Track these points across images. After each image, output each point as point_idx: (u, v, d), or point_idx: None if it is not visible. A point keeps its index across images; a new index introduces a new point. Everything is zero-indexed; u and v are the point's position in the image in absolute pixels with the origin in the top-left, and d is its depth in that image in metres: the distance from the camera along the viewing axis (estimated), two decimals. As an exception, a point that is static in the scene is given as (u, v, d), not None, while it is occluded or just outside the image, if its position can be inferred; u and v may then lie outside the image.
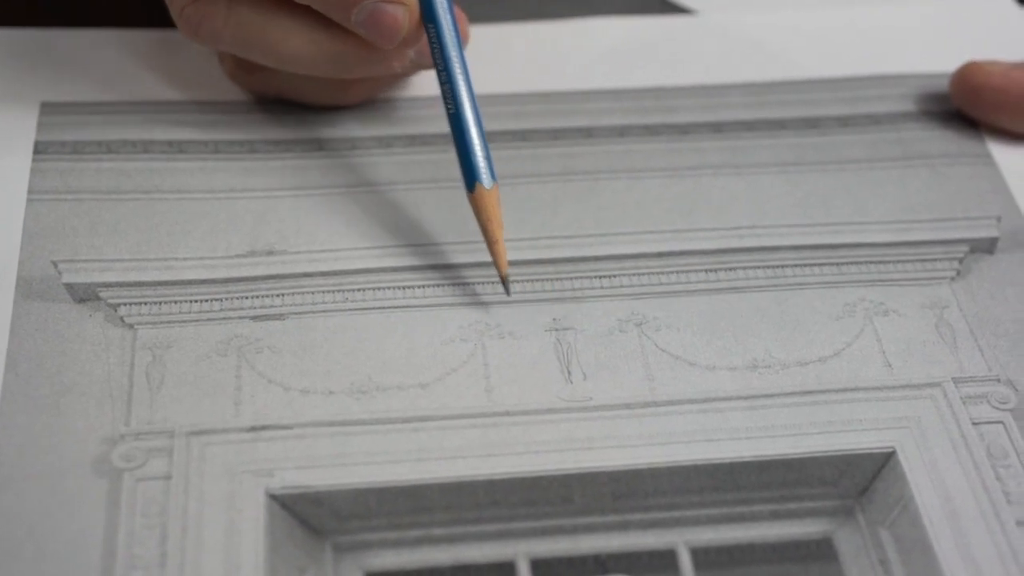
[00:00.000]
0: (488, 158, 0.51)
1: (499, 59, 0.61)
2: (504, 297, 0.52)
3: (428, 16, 0.52)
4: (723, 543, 0.46)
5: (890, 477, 0.47)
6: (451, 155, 0.56)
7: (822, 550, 0.46)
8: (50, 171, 0.55)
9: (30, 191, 0.54)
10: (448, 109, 0.52)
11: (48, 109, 0.57)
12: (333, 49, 0.52)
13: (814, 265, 0.54)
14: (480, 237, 0.51)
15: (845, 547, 0.46)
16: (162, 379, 0.48)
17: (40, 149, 0.55)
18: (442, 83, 0.52)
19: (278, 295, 0.51)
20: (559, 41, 0.63)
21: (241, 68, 0.56)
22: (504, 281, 0.51)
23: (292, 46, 0.52)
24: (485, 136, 0.52)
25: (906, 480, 0.47)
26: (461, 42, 0.52)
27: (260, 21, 0.52)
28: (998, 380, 0.50)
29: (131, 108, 0.57)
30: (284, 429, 0.47)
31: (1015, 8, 0.65)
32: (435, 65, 0.52)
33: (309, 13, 0.52)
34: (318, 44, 0.52)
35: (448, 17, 0.52)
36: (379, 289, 0.52)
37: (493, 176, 0.51)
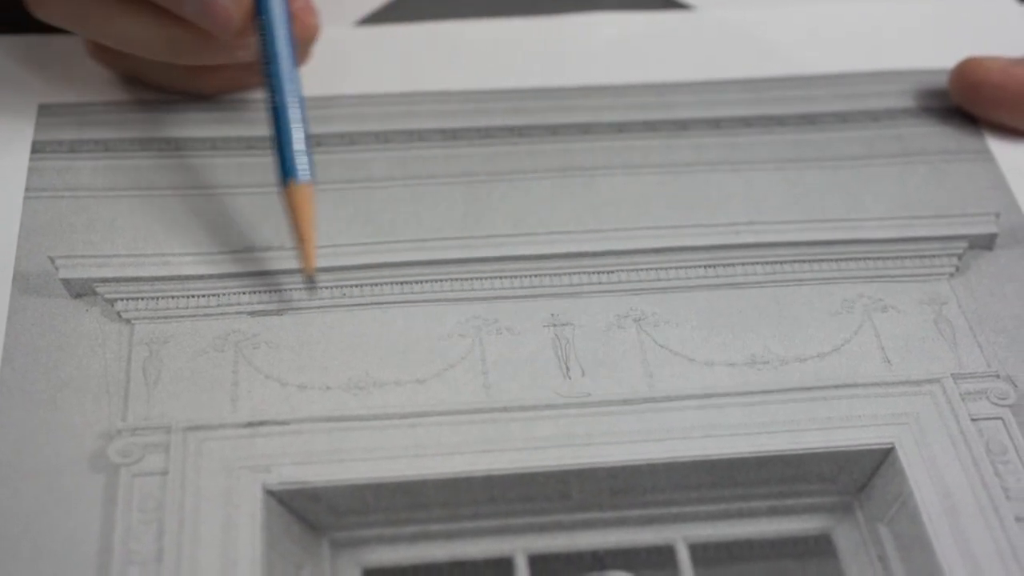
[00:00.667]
0: (308, 155, 0.50)
1: (497, 54, 0.61)
2: (503, 292, 0.51)
3: (258, 7, 0.51)
4: (722, 539, 0.46)
5: (889, 473, 0.47)
6: (448, 151, 0.56)
7: (821, 546, 0.46)
8: (47, 169, 0.55)
9: (27, 189, 0.54)
10: (270, 102, 0.51)
11: (46, 111, 0.57)
12: (168, 34, 0.52)
13: (812, 261, 0.53)
14: (489, 232, 0.51)
15: (844, 543, 0.46)
16: (159, 374, 0.48)
17: (37, 149, 0.55)
18: (266, 76, 0.51)
19: (275, 291, 0.51)
20: (557, 36, 0.62)
21: (96, 47, 0.56)
22: (311, 279, 0.50)
23: (124, 28, 0.51)
24: (309, 134, 0.51)
25: (905, 476, 0.47)
26: (292, 36, 0.51)
27: (90, 4, 0.52)
28: (997, 376, 0.50)
29: (128, 107, 0.57)
30: (281, 425, 0.47)
31: (1014, 4, 0.65)
32: (262, 57, 0.51)
33: None
34: (152, 28, 0.51)
35: (280, 10, 0.51)
36: (376, 285, 0.52)
37: (311, 174, 0.50)
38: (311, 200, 0.50)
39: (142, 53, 0.53)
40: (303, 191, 0.50)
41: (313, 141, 0.56)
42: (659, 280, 0.53)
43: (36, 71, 0.58)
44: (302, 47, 0.54)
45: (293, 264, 0.52)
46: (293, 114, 0.50)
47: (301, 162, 0.50)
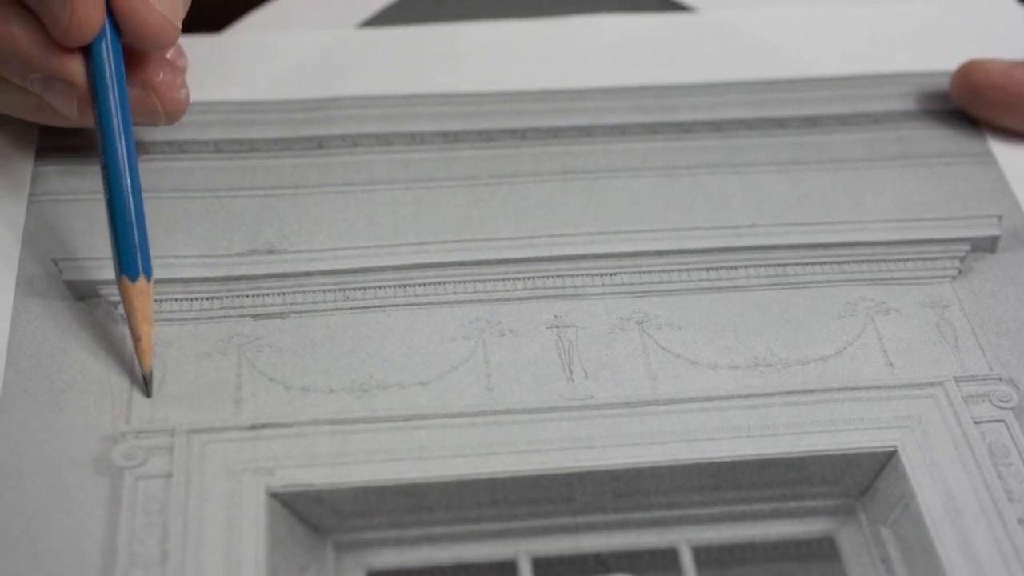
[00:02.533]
0: (142, 249, 0.48)
1: (498, 56, 0.61)
2: (505, 295, 0.52)
3: (93, 95, 0.49)
4: (725, 542, 0.46)
5: (892, 476, 0.47)
6: (450, 153, 0.56)
7: (824, 549, 0.46)
8: (51, 174, 0.55)
9: (31, 193, 0.54)
10: (105, 193, 0.48)
11: None
12: (32, 102, 0.52)
13: (815, 264, 0.53)
14: (491, 235, 0.52)
15: (847, 546, 0.46)
16: (162, 377, 0.48)
17: (41, 154, 0.55)
18: (102, 166, 0.48)
19: (279, 293, 0.51)
20: (558, 38, 0.63)
21: None
22: (145, 380, 0.48)
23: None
24: (144, 222, 0.48)
25: (908, 479, 0.47)
26: (128, 126, 0.49)
27: None
28: (999, 379, 0.50)
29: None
30: (285, 427, 0.47)
31: (1016, 6, 0.65)
32: (98, 146, 0.49)
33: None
34: (15, 95, 0.52)
35: (114, 100, 0.48)
36: (379, 288, 0.52)
37: (145, 270, 0.48)
38: (145, 296, 0.48)
39: (18, 115, 0.53)
40: (136, 288, 0.48)
41: (315, 143, 0.57)
42: (662, 283, 0.53)
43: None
44: (167, 119, 0.52)
45: (296, 267, 0.52)
46: (125, 206, 0.48)
47: (133, 258, 0.48)
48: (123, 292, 0.48)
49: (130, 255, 0.48)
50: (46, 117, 0.53)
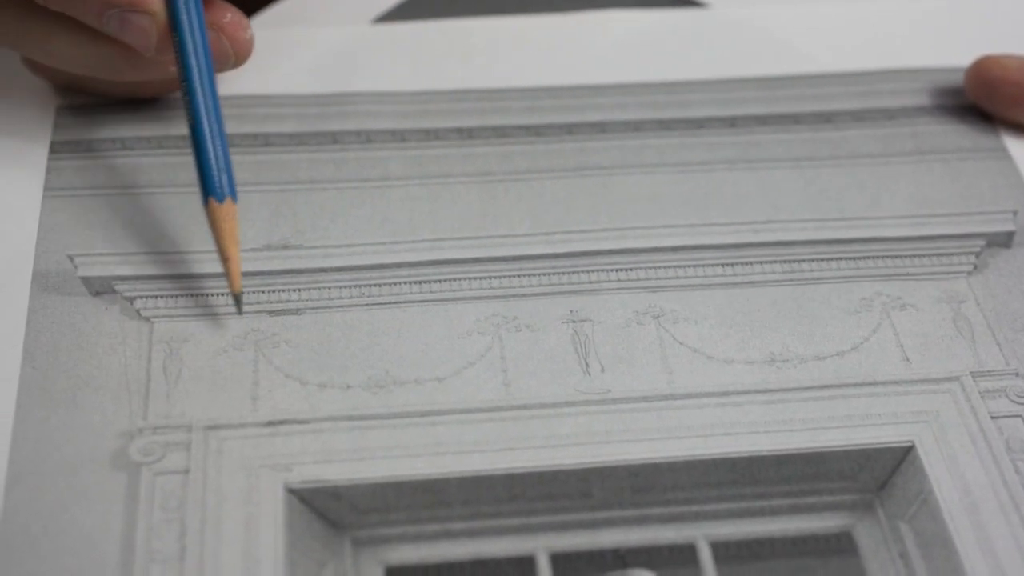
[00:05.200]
0: (227, 172, 0.50)
1: (512, 53, 0.61)
2: (521, 290, 0.52)
3: (172, 25, 0.51)
4: (743, 537, 0.46)
5: (909, 471, 0.47)
6: (465, 149, 0.56)
7: (842, 544, 0.46)
8: (65, 169, 0.55)
9: (46, 188, 0.54)
10: (189, 119, 0.50)
11: (63, 112, 0.57)
12: (100, 52, 0.52)
13: (830, 260, 0.53)
14: (506, 231, 0.52)
15: (865, 541, 0.46)
16: (179, 373, 0.48)
17: (56, 149, 0.55)
18: (183, 94, 0.51)
19: (294, 290, 0.51)
20: (572, 34, 0.63)
21: (30, 61, 0.56)
22: (237, 299, 0.50)
23: (60, 48, 0.52)
24: (227, 149, 0.50)
25: (925, 474, 0.47)
26: (208, 52, 0.51)
27: (23, 24, 0.52)
28: (1016, 374, 0.50)
29: (145, 107, 0.57)
30: (302, 424, 0.47)
31: (1030, 2, 0.65)
32: (179, 75, 0.51)
33: (71, 17, 0.51)
34: (85, 47, 0.52)
35: (195, 28, 0.50)
36: (395, 284, 0.52)
37: (231, 192, 0.50)
38: (232, 218, 0.49)
39: (78, 71, 0.54)
40: (222, 209, 0.49)
41: (329, 138, 0.57)
42: (677, 278, 0.53)
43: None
44: (235, 60, 0.53)
45: (312, 263, 0.52)
46: (210, 131, 0.50)
47: (219, 181, 0.50)
48: (210, 215, 0.49)
49: (215, 178, 0.49)
50: (107, 66, 0.53)
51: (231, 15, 0.53)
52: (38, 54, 0.53)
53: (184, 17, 0.50)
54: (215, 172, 0.50)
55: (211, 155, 0.50)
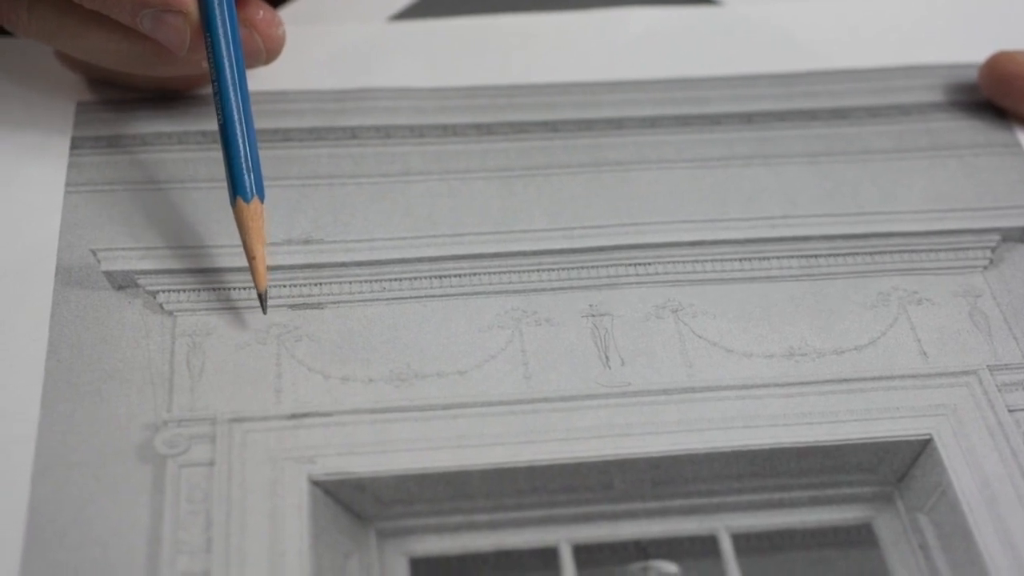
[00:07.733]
0: (254, 171, 0.51)
1: (528, 49, 0.62)
2: (540, 285, 0.52)
3: (205, 24, 0.51)
4: (764, 529, 0.46)
5: (928, 464, 0.48)
6: (483, 145, 0.57)
7: (862, 536, 0.46)
8: (86, 165, 0.55)
9: (67, 184, 0.54)
10: (219, 117, 0.51)
11: (84, 108, 0.57)
12: (133, 48, 0.53)
13: (847, 255, 0.54)
14: (525, 227, 0.52)
15: (885, 533, 0.46)
16: (202, 366, 0.49)
17: (77, 145, 0.56)
18: (214, 93, 0.51)
19: (316, 284, 0.51)
20: (589, 31, 0.63)
21: (62, 55, 0.57)
22: (261, 298, 0.50)
23: (94, 43, 0.53)
24: (256, 148, 0.51)
25: (944, 467, 0.47)
26: (239, 51, 0.52)
27: (59, 20, 0.52)
28: (1033, 368, 0.50)
29: (165, 103, 0.58)
30: (325, 416, 0.48)
31: (1043, -2, 0.66)
32: (211, 75, 0.52)
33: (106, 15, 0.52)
34: (119, 43, 0.52)
35: (227, 27, 0.51)
36: (416, 279, 0.52)
37: (258, 192, 0.50)
38: (259, 217, 0.50)
39: (111, 66, 0.54)
40: (249, 209, 0.50)
41: (349, 133, 0.57)
42: (695, 272, 0.53)
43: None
44: (267, 57, 0.54)
45: (333, 258, 0.52)
46: (237, 131, 0.51)
47: (245, 180, 0.50)
48: (238, 214, 0.50)
49: (243, 178, 0.50)
50: (140, 62, 0.53)
51: (264, 12, 0.53)
52: (72, 49, 0.54)
53: (218, 17, 0.51)
54: (244, 172, 0.50)
55: (241, 155, 0.50)
